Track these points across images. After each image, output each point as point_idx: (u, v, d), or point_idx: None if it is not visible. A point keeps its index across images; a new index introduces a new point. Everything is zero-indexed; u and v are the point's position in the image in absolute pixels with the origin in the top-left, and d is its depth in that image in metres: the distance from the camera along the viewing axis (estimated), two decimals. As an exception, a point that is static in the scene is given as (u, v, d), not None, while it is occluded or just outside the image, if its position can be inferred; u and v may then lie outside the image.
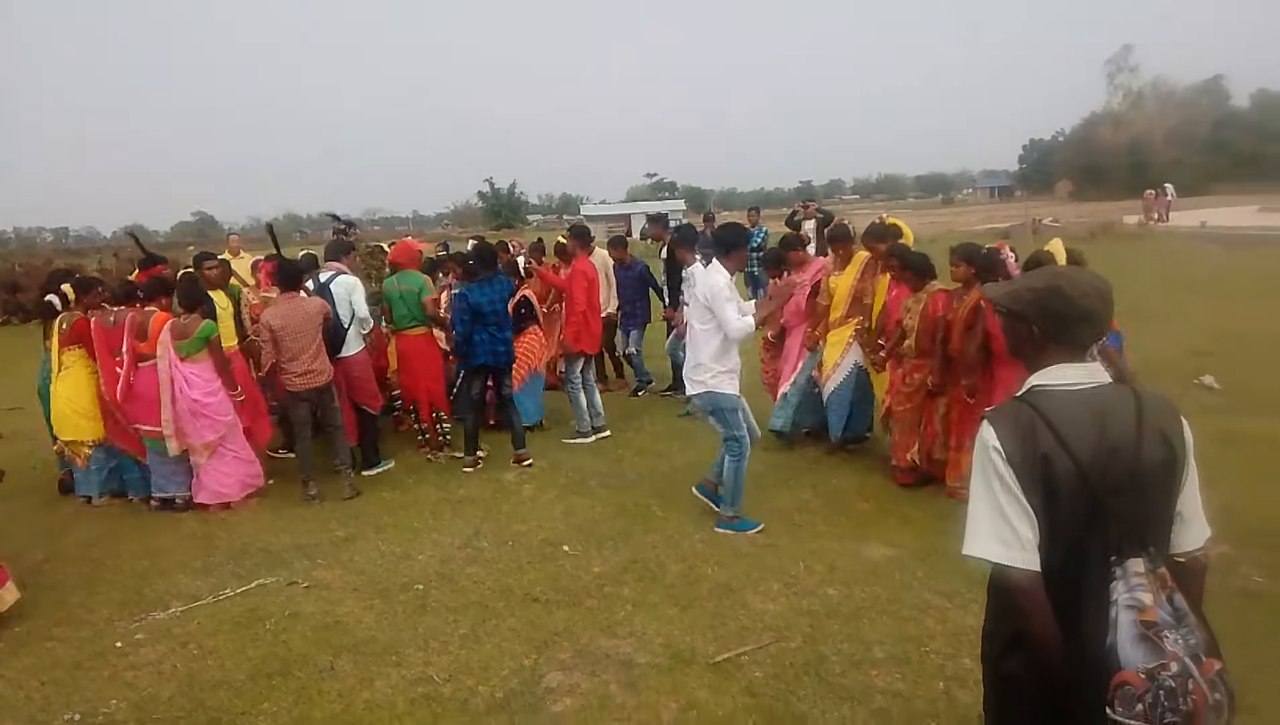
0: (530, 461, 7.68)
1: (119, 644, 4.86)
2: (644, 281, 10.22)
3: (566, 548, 5.81)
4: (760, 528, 5.94)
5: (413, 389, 8.14)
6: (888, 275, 6.88)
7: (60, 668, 4.64)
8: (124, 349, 6.88)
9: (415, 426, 8.31)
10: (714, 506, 6.08)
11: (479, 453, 7.81)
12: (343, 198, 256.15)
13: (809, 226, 13.17)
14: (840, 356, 7.27)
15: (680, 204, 65.05)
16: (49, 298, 7.33)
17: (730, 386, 5.82)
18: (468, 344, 7.48)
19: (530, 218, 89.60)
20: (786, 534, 5.85)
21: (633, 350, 10.23)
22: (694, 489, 6.27)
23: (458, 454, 8.03)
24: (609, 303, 9.93)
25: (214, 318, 7.16)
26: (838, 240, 7.56)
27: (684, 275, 8.51)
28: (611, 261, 10.06)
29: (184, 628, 5.00)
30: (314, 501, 6.99)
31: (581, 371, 8.46)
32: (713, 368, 5.77)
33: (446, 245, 12.76)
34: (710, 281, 5.72)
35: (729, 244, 5.96)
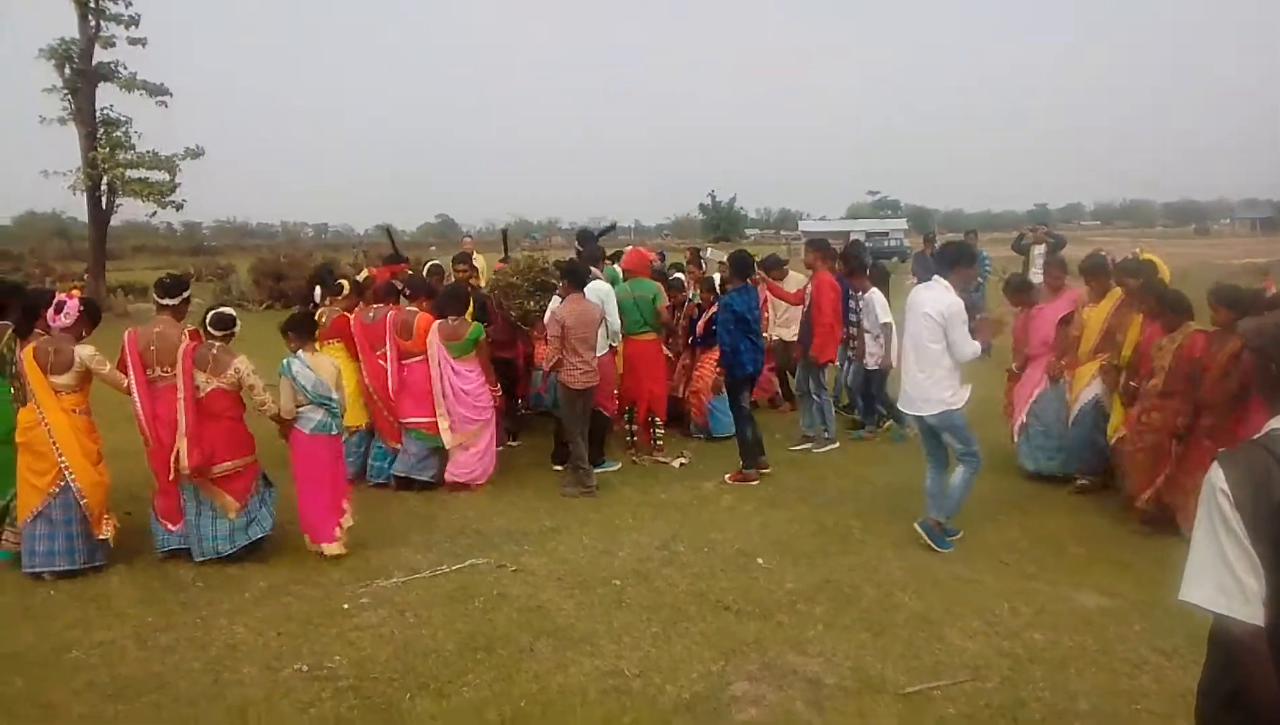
0: (769, 469, 7.78)
1: (346, 606, 5.31)
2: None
3: (761, 560, 5.86)
4: (951, 548, 5.87)
5: (635, 391, 8.36)
6: (1142, 312, 6.53)
7: (294, 622, 5.12)
8: (387, 345, 7.45)
9: (626, 428, 8.57)
10: (934, 547, 5.93)
11: (682, 457, 8.03)
12: (567, 206, 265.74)
13: (1037, 251, 12.59)
14: (1082, 389, 6.99)
15: (902, 222, 63.24)
16: (316, 290, 8.07)
17: (962, 401, 5.80)
18: (735, 353, 7.54)
19: (748, 231, 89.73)
20: (992, 572, 5.65)
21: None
22: (915, 526, 6.10)
23: (663, 458, 8.25)
24: (794, 323, 9.81)
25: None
26: (1092, 272, 7.23)
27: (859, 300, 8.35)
28: (805, 280, 9.96)
29: (403, 597, 5.41)
30: (591, 493, 7.29)
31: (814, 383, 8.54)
32: (949, 385, 5.72)
33: (663, 255, 13.05)
34: (945, 301, 5.69)
35: (954, 261, 5.93)
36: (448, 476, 7.46)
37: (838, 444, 8.62)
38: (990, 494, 7.02)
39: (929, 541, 5.89)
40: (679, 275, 10.03)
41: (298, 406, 5.98)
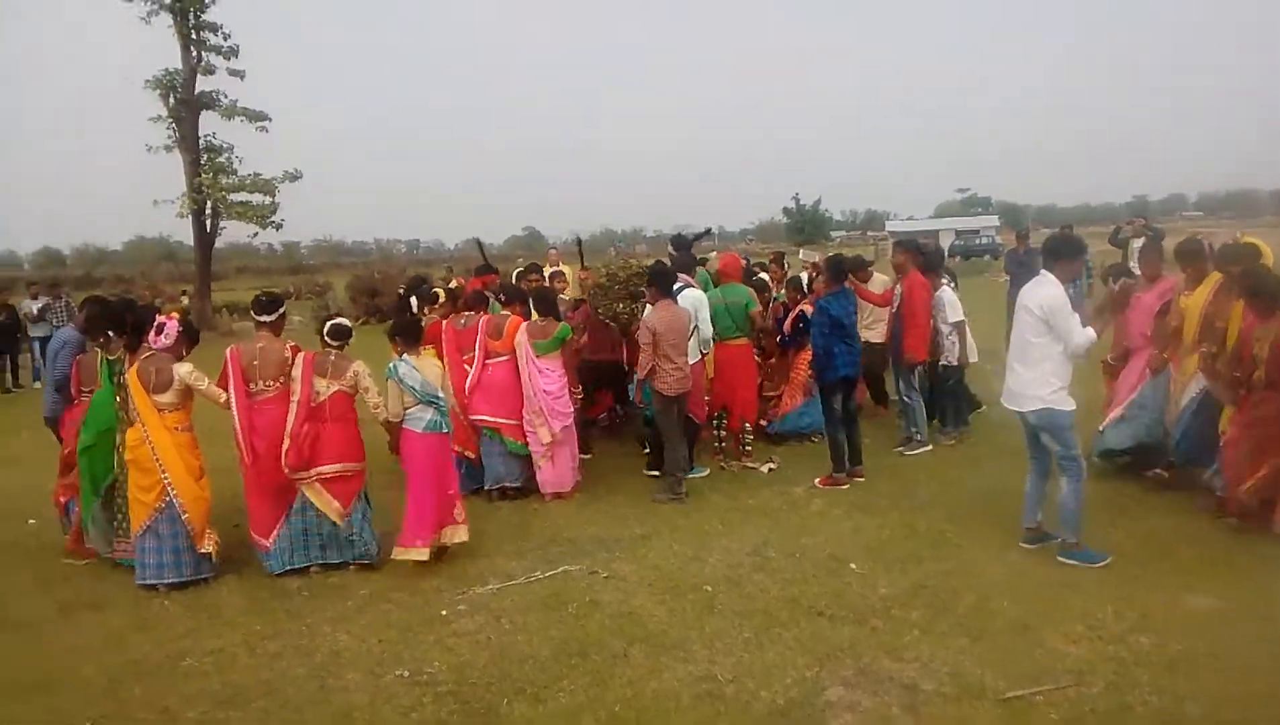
0: (863, 478, 7.69)
1: (444, 612, 5.44)
2: None
3: (853, 565, 5.79)
4: (1108, 561, 5.58)
5: (726, 397, 8.36)
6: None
7: (395, 628, 5.27)
8: (475, 346, 7.64)
9: (715, 434, 8.57)
10: (1091, 565, 5.63)
11: (771, 462, 8.02)
12: (650, 214, 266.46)
13: (1136, 245, 12.17)
14: (1189, 382, 6.73)
15: (993, 219, 61.63)
16: (408, 300, 8.32)
17: (1069, 403, 5.60)
18: (828, 357, 7.53)
19: (834, 234, 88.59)
20: (1094, 575, 5.47)
21: None
22: (1020, 543, 5.97)
23: (751, 464, 8.23)
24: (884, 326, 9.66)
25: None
26: (1188, 258, 6.96)
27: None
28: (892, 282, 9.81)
29: (499, 603, 5.52)
30: (681, 500, 7.33)
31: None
32: (1052, 383, 5.55)
33: (747, 259, 13.01)
34: (1046, 293, 5.53)
35: (1059, 252, 5.76)
36: (544, 490, 7.57)
37: (930, 447, 8.48)
38: (1092, 495, 6.76)
39: (1078, 563, 5.59)
40: (763, 275, 10.01)
41: (406, 408, 6.17)
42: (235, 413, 6.07)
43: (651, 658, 4.69)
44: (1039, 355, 5.57)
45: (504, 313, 7.78)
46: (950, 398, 8.92)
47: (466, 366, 7.71)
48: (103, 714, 4.46)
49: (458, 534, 6.26)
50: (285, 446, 6.00)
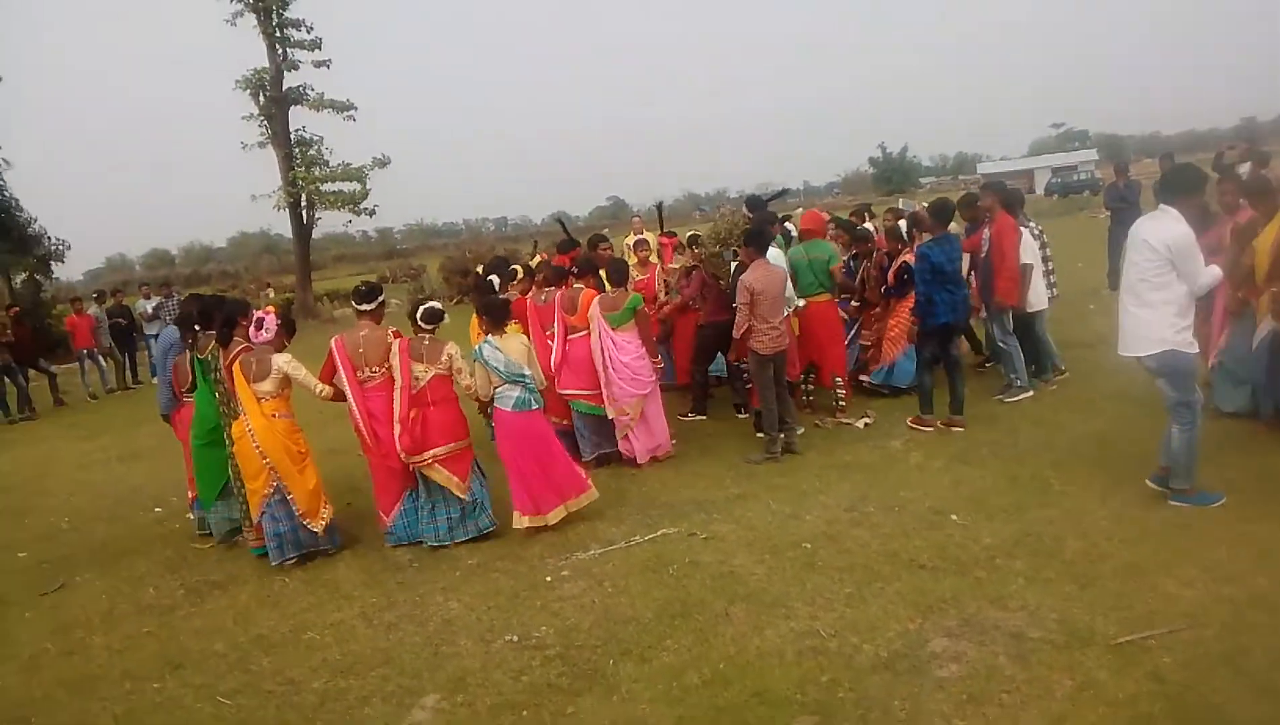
0: (962, 428, 7.60)
1: (548, 579, 5.58)
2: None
3: (955, 517, 5.72)
4: (1222, 501, 5.38)
5: (814, 354, 8.36)
6: None
7: (502, 595, 5.44)
8: (555, 323, 7.77)
9: (803, 390, 8.53)
10: (1204, 506, 5.44)
11: (866, 416, 8.07)
12: (735, 176, 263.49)
13: (1242, 170, 11.55)
14: (1262, 321, 6.43)
15: (1092, 154, 59.34)
16: (489, 278, 8.40)
17: (1190, 346, 5.30)
18: (930, 304, 7.49)
19: (923, 180, 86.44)
20: (1207, 516, 5.28)
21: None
22: (1147, 481, 5.71)
23: (846, 420, 8.18)
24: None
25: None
26: (1257, 194, 6.63)
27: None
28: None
29: (601, 568, 5.64)
30: (776, 459, 7.35)
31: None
32: (1176, 323, 5.23)
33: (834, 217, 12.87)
34: (1172, 231, 5.15)
35: (1178, 187, 5.38)
36: (639, 457, 7.64)
37: (1030, 392, 8.27)
38: (1209, 435, 6.54)
39: (1194, 505, 5.39)
40: (868, 225, 9.90)
41: (495, 388, 6.31)
42: (351, 400, 6.27)
43: (753, 615, 4.74)
44: (1162, 296, 5.23)
45: (578, 287, 7.85)
46: (1036, 346, 8.71)
47: (550, 341, 7.83)
48: (234, 687, 4.74)
49: (589, 497, 6.48)
50: (397, 432, 6.16)
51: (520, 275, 8.44)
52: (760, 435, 7.89)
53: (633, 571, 5.51)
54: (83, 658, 5.36)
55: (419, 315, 6.46)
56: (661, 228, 10.55)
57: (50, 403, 15.75)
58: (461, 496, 6.28)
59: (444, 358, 6.31)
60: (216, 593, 6.11)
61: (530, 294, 8.17)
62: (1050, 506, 5.73)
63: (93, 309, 16.81)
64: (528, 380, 6.33)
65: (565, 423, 7.89)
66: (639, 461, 7.63)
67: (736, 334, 7.41)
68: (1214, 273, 5.28)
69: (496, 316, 6.50)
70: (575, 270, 8.03)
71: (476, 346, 6.38)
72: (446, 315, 6.54)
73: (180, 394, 7.12)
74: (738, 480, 7.00)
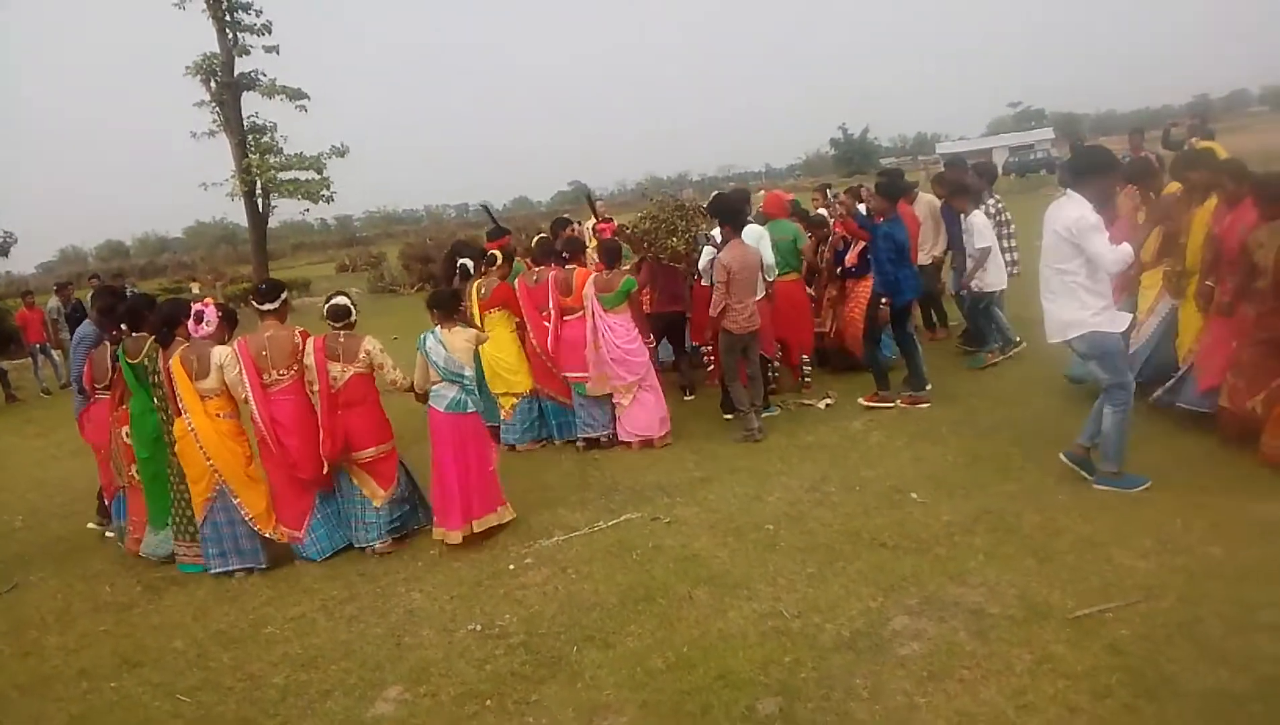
0: (928, 403, 7.69)
1: (511, 567, 5.55)
2: None
3: (915, 495, 5.76)
4: (1147, 485, 5.42)
5: (783, 333, 8.38)
6: (1205, 207, 6.13)
7: (464, 585, 5.39)
8: (549, 304, 7.68)
9: (769, 372, 8.55)
10: (1085, 474, 5.58)
11: (828, 397, 8.15)
12: (697, 158, 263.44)
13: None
14: (1155, 301, 6.65)
15: (1048, 132, 59.85)
16: (463, 262, 8.16)
17: (1112, 324, 5.33)
18: (897, 282, 7.50)
19: (883, 161, 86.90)
20: (1162, 488, 5.37)
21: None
22: (1061, 456, 5.75)
23: (808, 401, 8.21)
24: (937, 245, 9.55)
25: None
26: (1139, 178, 6.82)
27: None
28: (939, 202, 9.63)
29: (564, 554, 5.61)
30: (754, 438, 7.33)
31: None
32: (1094, 305, 5.27)
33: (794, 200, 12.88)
34: (1073, 214, 5.19)
35: (1084, 169, 5.40)
36: (631, 438, 7.59)
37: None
38: (1157, 409, 6.66)
39: (1118, 489, 5.42)
40: (821, 211, 9.91)
41: (432, 383, 6.04)
42: (254, 405, 5.91)
43: (716, 598, 4.74)
44: (1074, 280, 5.27)
45: (571, 267, 7.76)
46: (986, 321, 8.83)
47: (546, 322, 7.75)
48: (193, 684, 4.66)
49: (498, 518, 6.08)
50: (320, 438, 5.89)
51: (500, 260, 8.12)
52: (728, 417, 7.89)
53: (596, 557, 5.49)
54: (37, 658, 5.25)
55: (325, 312, 6.10)
56: (594, 214, 10.33)
57: (2, 398, 15.42)
58: (380, 505, 6.05)
59: (361, 355, 5.96)
60: (174, 589, 6.00)
61: (520, 276, 8.04)
62: (1010, 483, 5.79)
63: (53, 302, 16.41)
64: (466, 380, 6.01)
65: (569, 402, 7.84)
66: (631, 444, 7.59)
67: (713, 313, 7.38)
68: (1124, 251, 5.24)
69: (445, 308, 6.15)
70: (566, 253, 7.92)
71: (421, 337, 6.09)
72: (355, 311, 6.18)
73: (94, 391, 6.76)
74: (700, 463, 7.00)
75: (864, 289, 8.60)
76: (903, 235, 7.50)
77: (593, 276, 7.54)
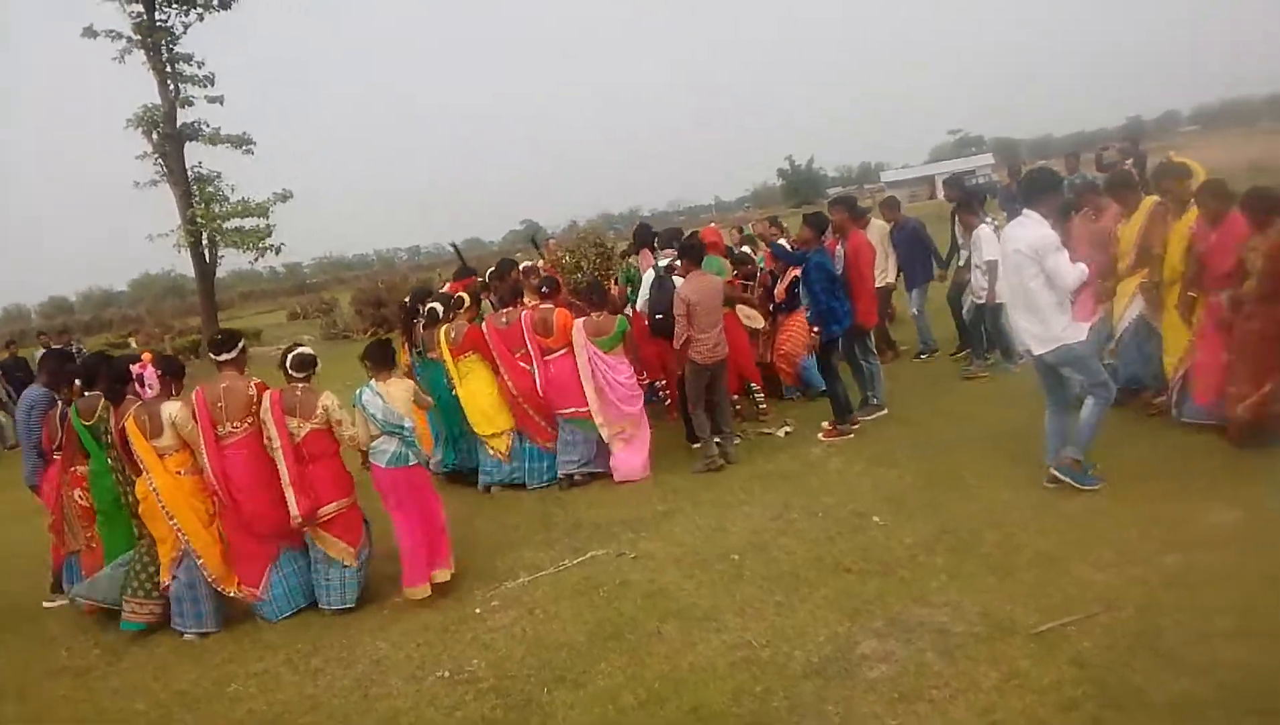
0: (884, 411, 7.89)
1: (478, 610, 5.50)
2: (919, 239, 10.14)
3: (876, 518, 5.82)
4: (1098, 487, 5.59)
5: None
6: (1185, 220, 6.35)
7: (431, 631, 5.33)
8: (528, 345, 7.61)
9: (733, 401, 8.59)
10: (1077, 485, 5.65)
11: (786, 425, 8.17)
12: (647, 193, 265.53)
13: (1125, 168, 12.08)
14: (1125, 309, 6.85)
15: (987, 158, 61.36)
16: (431, 306, 8.07)
17: (1080, 333, 5.58)
18: (831, 312, 7.57)
19: (830, 191, 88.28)
20: (1118, 498, 5.49)
21: (914, 311, 10.24)
22: (1053, 470, 5.79)
23: (767, 430, 8.27)
24: (888, 272, 9.83)
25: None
26: (1118, 189, 7.05)
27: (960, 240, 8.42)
28: (887, 227, 9.88)
29: (531, 595, 5.58)
30: (714, 467, 7.37)
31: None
32: (1060, 319, 5.51)
33: (742, 229, 13.02)
34: (1033, 234, 5.47)
35: (1036, 189, 5.71)
36: (617, 476, 7.57)
37: (884, 411, 8.25)
38: (1114, 418, 6.77)
39: (1071, 482, 5.62)
40: (745, 249, 10.02)
41: (373, 438, 5.83)
42: (206, 458, 5.70)
43: (685, 631, 4.74)
44: (1038, 297, 5.52)
45: (546, 307, 7.69)
46: (999, 335, 9.02)
47: (523, 363, 7.66)
48: (156, 746, 4.55)
49: (444, 574, 5.87)
50: (290, 496, 5.63)
51: (468, 302, 8.01)
52: (696, 446, 7.92)
53: (563, 596, 5.47)
54: (-7, 730, 5.10)
55: (288, 363, 5.84)
56: (464, 265, 10.04)
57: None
58: (349, 564, 5.83)
59: (319, 411, 5.74)
60: (134, 649, 5.84)
61: (489, 318, 7.96)
62: (967, 501, 5.88)
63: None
64: (406, 432, 5.78)
65: (550, 443, 7.78)
66: (615, 478, 7.56)
67: (676, 345, 7.44)
68: (1080, 270, 5.50)
69: (377, 360, 5.96)
70: (544, 290, 7.85)
71: (357, 391, 5.87)
72: (319, 362, 6.01)
73: (51, 453, 6.61)
74: (664, 497, 7.01)
75: (795, 322, 8.74)
76: (832, 265, 7.60)
77: (580, 321, 7.52)
